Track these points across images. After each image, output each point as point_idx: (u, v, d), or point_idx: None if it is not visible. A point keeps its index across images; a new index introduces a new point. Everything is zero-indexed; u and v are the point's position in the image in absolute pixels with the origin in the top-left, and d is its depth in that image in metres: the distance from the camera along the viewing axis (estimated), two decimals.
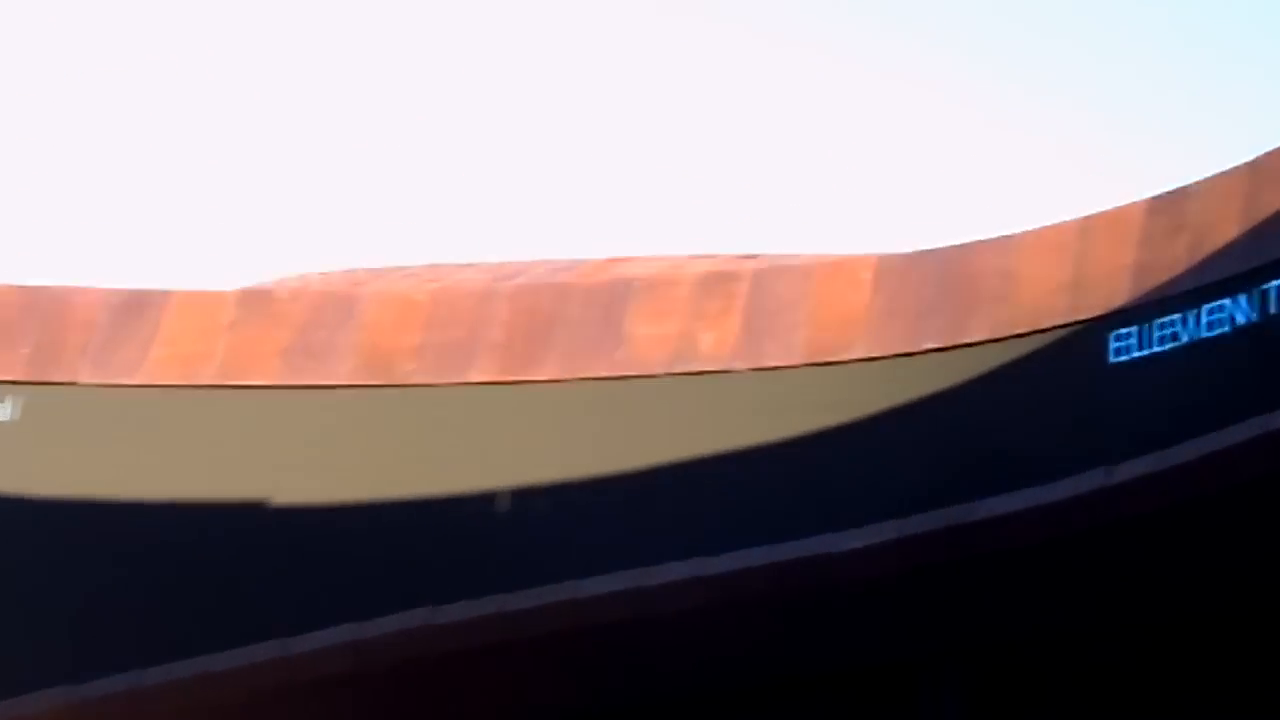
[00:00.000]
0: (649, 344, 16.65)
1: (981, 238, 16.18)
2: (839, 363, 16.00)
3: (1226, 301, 14.57)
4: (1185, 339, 14.72)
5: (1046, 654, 16.46)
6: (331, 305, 17.42)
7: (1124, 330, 15.02)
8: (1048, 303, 15.51)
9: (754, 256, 17.92)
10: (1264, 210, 14.75)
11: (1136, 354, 14.89)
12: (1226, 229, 14.93)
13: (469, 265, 19.02)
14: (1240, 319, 14.48)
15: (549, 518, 16.44)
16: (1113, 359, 14.98)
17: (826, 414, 15.87)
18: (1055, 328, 15.37)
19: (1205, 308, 14.66)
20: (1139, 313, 14.97)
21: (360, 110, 42.51)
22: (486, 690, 17.07)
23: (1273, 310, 14.33)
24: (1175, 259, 15.11)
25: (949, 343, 15.82)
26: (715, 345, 16.48)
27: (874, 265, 16.48)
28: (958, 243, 16.24)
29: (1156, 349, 14.75)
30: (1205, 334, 14.62)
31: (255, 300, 17.55)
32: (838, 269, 16.67)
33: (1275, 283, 14.33)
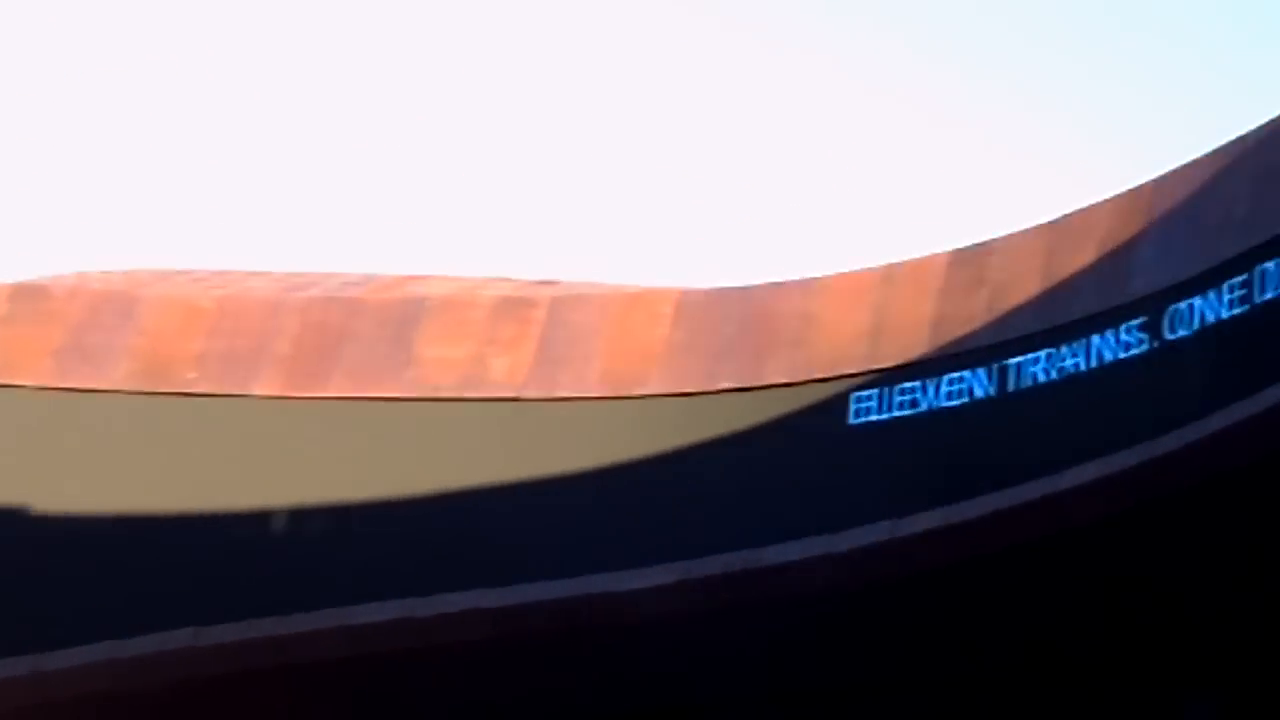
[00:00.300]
0: (440, 366, 16.25)
1: (787, 278, 16.04)
2: (634, 397, 15.74)
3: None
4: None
5: (833, 704, 16.31)
6: (110, 306, 16.77)
7: (908, 385, 14.95)
8: (846, 350, 15.38)
9: (553, 283, 17.61)
10: (1062, 271, 14.77)
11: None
12: (1026, 286, 14.91)
13: (259, 273, 18.45)
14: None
15: (327, 540, 15.95)
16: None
17: (618, 448, 15.60)
18: (851, 375, 15.25)
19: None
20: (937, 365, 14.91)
21: (164, 101, 41.41)
22: (257, 716, 16.50)
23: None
24: (973, 313, 15.06)
25: (746, 383, 15.63)
26: (508, 371, 16.13)
27: (675, 299, 16.25)
28: (762, 282, 16.08)
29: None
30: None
31: (28, 296, 16.85)
32: (637, 301, 16.42)
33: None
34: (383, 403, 16.17)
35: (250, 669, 15.74)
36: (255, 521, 15.97)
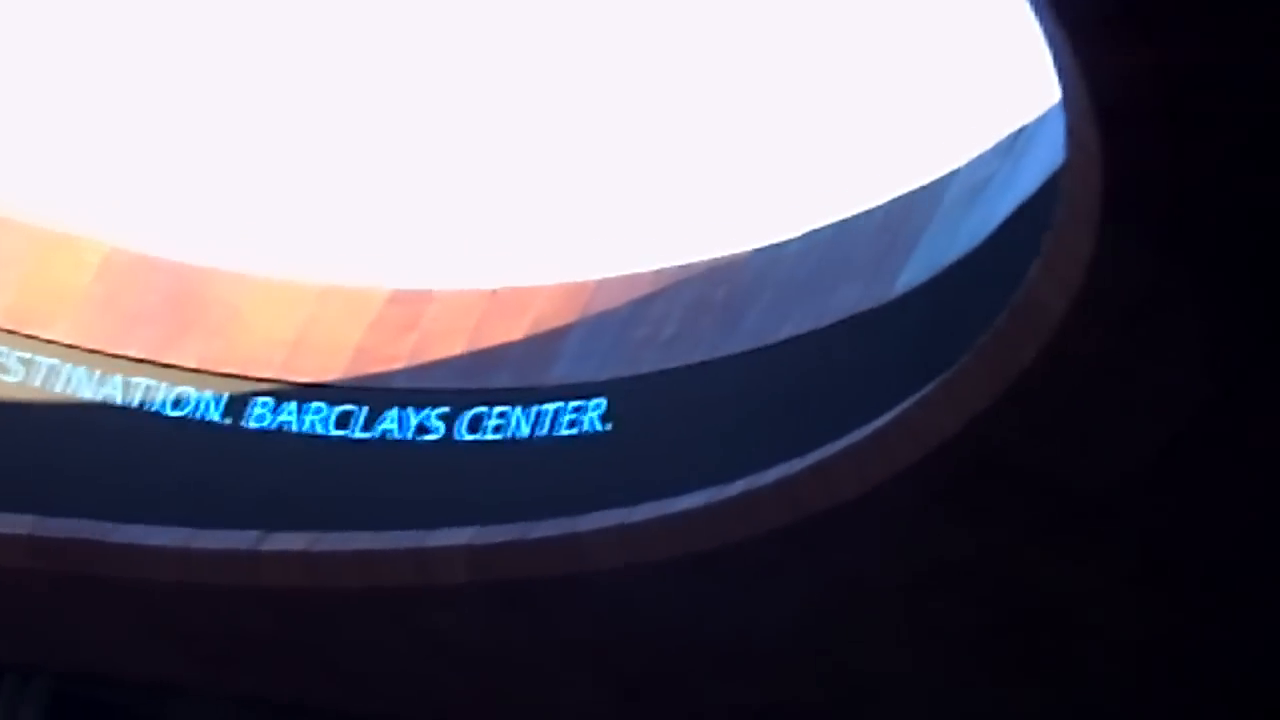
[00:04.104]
0: None
1: (224, 265, 15.85)
2: (38, 338, 15.25)
3: (356, 408, 14.88)
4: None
5: None
6: None
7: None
8: (261, 353, 15.32)
9: None
10: (490, 338, 15.16)
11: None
12: (453, 343, 15.22)
13: None
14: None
15: None
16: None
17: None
18: (259, 379, 15.21)
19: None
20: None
21: None
22: None
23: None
24: (397, 354, 15.27)
25: (152, 356, 15.37)
26: None
27: (105, 253, 15.80)
28: (200, 262, 15.84)
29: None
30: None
31: None
32: (64, 243, 15.85)
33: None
34: None
35: None
36: None
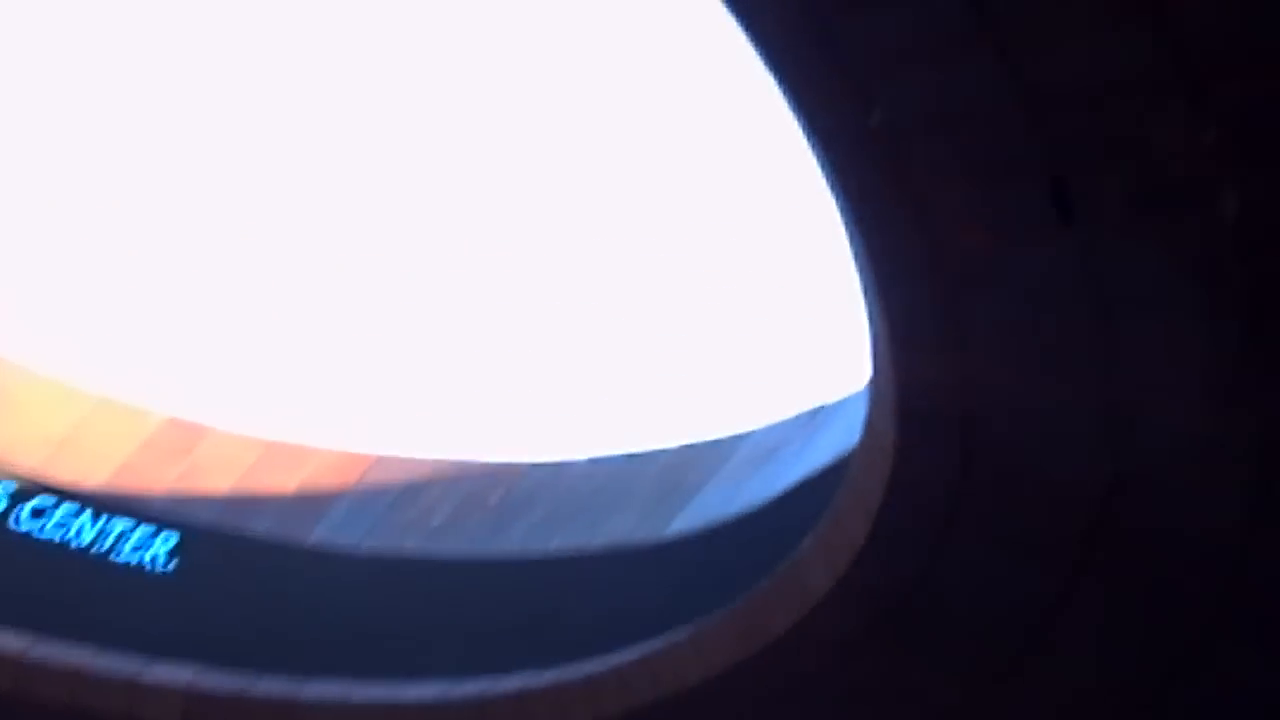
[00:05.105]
0: None
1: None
2: None
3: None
4: None
5: None
6: None
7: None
8: (26, 447, 15.00)
9: None
10: (257, 486, 15.00)
11: None
12: (218, 481, 15.05)
13: None
14: None
15: None
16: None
17: None
18: None
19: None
20: None
21: None
22: None
23: None
24: (159, 479, 15.05)
25: None
26: None
27: None
28: None
29: None
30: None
31: None
32: None
33: None
34: None
35: None
36: None
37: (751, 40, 7.25)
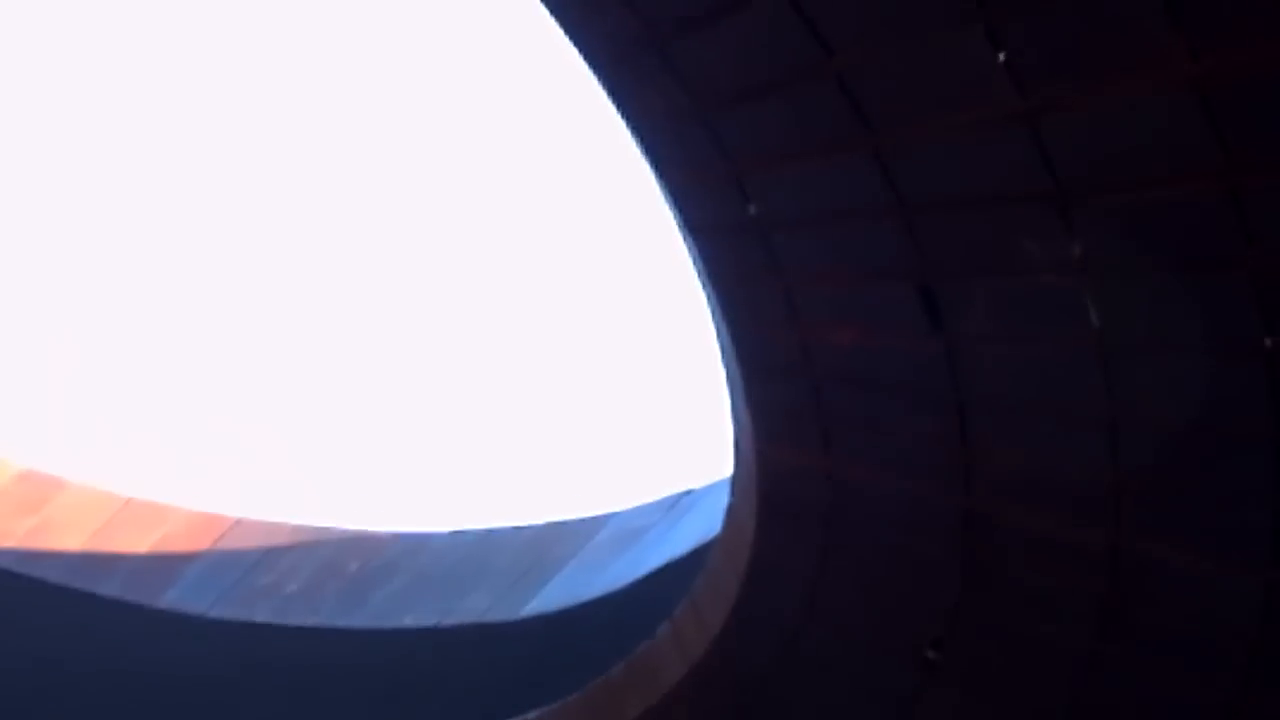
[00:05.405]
0: None
1: None
2: None
3: None
4: None
5: None
6: None
7: None
8: None
9: None
10: (110, 544, 14.78)
11: None
12: (71, 538, 14.80)
13: None
14: None
15: None
16: None
17: None
18: None
19: None
20: None
21: None
22: None
23: None
24: (8, 533, 14.78)
25: None
26: None
27: None
28: None
29: None
30: None
31: None
32: None
33: None
34: None
35: None
36: None
37: (630, 129, 7.25)
